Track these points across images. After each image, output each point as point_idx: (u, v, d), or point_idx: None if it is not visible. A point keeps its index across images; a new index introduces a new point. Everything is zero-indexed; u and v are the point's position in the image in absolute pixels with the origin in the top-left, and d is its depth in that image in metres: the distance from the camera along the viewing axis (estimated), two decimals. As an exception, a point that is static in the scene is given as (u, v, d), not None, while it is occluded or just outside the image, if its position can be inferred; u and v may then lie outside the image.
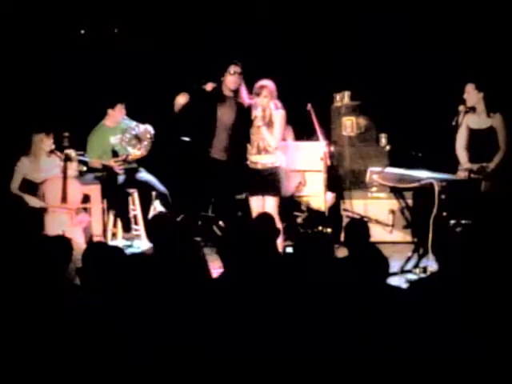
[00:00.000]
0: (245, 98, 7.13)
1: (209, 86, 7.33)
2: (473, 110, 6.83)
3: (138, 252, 6.88)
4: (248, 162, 6.92)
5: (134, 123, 7.73)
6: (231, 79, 7.18)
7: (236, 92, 7.22)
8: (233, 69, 7.19)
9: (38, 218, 6.94)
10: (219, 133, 7.24)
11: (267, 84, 6.83)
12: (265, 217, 5.60)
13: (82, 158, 7.53)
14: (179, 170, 8.22)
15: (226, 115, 7.22)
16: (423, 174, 6.72)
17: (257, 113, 6.81)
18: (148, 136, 7.67)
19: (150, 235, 5.24)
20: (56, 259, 4.18)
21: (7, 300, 3.96)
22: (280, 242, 6.21)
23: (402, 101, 8.31)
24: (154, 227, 5.28)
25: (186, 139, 7.85)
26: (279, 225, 6.06)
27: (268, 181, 6.83)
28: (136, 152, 7.66)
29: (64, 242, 4.31)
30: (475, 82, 6.78)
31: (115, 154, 7.74)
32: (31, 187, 7.13)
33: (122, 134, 7.66)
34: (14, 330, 3.73)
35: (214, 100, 7.25)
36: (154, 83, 8.76)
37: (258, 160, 6.88)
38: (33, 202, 7.03)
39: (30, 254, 4.33)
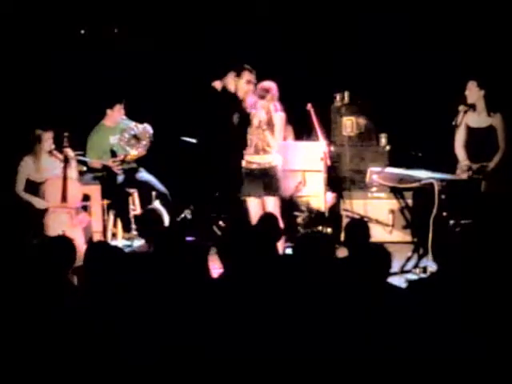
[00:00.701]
0: (250, 105, 6.93)
1: (217, 85, 7.17)
2: (473, 108, 6.84)
3: (136, 251, 6.87)
4: (244, 162, 6.89)
5: (133, 123, 7.74)
6: (245, 88, 6.93)
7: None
8: (248, 76, 6.99)
9: (41, 219, 6.93)
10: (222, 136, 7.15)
11: (272, 87, 6.80)
12: (269, 217, 5.61)
13: (81, 158, 7.53)
14: (179, 170, 8.23)
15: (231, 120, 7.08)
16: (423, 174, 6.72)
17: (260, 116, 6.79)
18: (147, 136, 7.68)
19: (139, 231, 5.32)
20: (59, 260, 4.17)
21: (9, 300, 3.97)
22: (281, 242, 6.20)
23: (401, 101, 8.32)
24: (141, 223, 5.33)
25: (187, 139, 7.86)
26: (281, 225, 6.05)
27: (266, 181, 6.82)
28: (134, 152, 7.66)
29: (67, 243, 4.30)
30: (477, 80, 6.79)
31: (113, 154, 7.75)
32: (32, 187, 7.11)
33: (121, 134, 7.67)
34: (15, 331, 3.73)
35: (221, 104, 7.09)
36: (154, 83, 8.76)
37: (255, 160, 6.87)
38: (40, 203, 7.01)
39: (32, 255, 4.32)
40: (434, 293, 3.96)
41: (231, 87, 7.07)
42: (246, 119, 6.90)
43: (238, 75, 7.01)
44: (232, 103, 7.05)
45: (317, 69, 8.70)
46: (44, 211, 6.95)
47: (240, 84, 7.01)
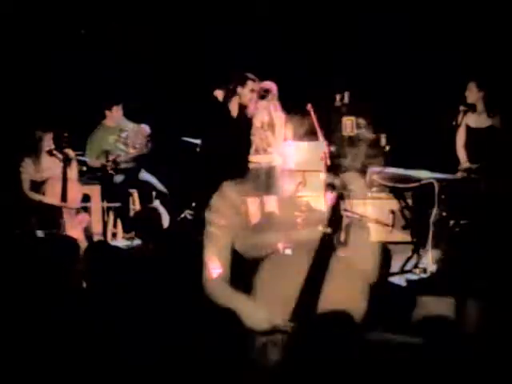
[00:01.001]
0: (251, 109, 6.91)
1: (219, 94, 7.18)
2: (473, 108, 6.85)
3: (136, 250, 6.89)
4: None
5: (131, 123, 7.76)
6: (249, 98, 6.83)
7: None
8: (251, 86, 6.90)
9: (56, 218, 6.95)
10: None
11: (272, 87, 6.79)
12: (268, 217, 5.59)
13: (81, 157, 7.55)
14: (180, 170, 8.23)
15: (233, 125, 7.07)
16: (423, 174, 6.72)
17: (261, 117, 6.78)
18: (144, 135, 7.70)
19: (135, 232, 5.34)
20: (62, 260, 4.17)
21: (9, 300, 3.97)
22: (281, 242, 6.19)
23: (401, 101, 8.32)
24: (136, 223, 5.34)
25: (188, 140, 7.87)
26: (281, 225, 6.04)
27: (265, 181, 6.81)
28: (130, 151, 7.69)
29: (70, 243, 4.29)
30: (477, 81, 6.80)
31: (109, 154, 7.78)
32: (33, 188, 7.12)
33: (118, 134, 7.70)
34: (15, 331, 3.73)
35: (224, 112, 7.09)
36: (154, 83, 8.77)
37: (255, 160, 6.86)
38: (48, 200, 7.04)
39: (36, 255, 4.33)
40: (434, 293, 3.96)
41: (234, 110, 7.06)
42: (249, 126, 6.90)
43: (242, 85, 6.99)
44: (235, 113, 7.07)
45: (317, 69, 8.70)
46: (59, 209, 6.97)
47: (244, 92, 6.99)
